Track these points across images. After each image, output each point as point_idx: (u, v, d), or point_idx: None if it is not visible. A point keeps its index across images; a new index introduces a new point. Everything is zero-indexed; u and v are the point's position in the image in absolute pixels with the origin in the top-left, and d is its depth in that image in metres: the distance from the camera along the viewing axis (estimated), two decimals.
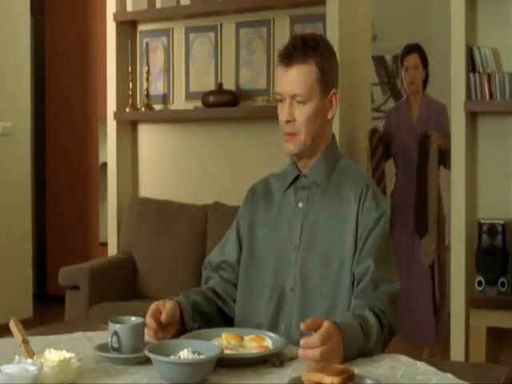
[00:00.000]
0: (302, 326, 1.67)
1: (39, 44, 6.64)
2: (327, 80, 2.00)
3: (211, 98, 4.68)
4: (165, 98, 5.02)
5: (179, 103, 4.97)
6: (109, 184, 5.14)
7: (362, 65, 4.84)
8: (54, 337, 1.93)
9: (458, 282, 4.00)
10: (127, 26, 5.07)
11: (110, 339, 1.73)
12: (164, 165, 5.07)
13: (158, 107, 5.03)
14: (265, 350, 1.73)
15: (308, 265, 2.01)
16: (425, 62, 4.74)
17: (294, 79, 1.97)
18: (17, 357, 1.58)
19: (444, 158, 4.45)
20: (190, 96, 4.92)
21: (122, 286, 4.61)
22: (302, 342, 1.64)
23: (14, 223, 5.69)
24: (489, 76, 3.95)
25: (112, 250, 5.05)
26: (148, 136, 5.14)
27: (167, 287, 4.35)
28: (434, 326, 4.58)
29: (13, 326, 1.68)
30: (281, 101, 2.02)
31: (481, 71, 3.99)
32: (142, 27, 5.09)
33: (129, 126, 5.15)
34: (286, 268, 2.03)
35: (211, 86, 4.80)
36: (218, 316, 2.08)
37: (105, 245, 5.34)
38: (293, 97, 1.98)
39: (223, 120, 4.80)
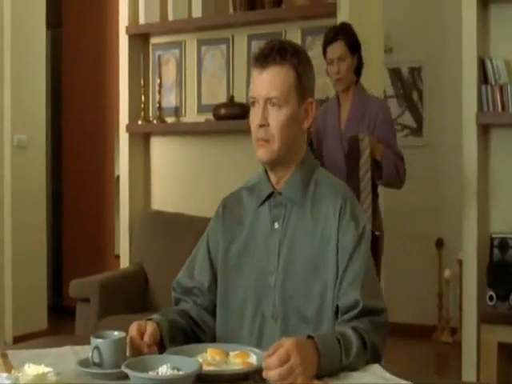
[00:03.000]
0: (265, 356, 1.61)
1: (57, 57, 6.70)
2: (304, 86, 1.88)
3: (222, 111, 4.67)
4: (177, 111, 5.02)
5: (191, 116, 4.96)
6: (121, 196, 5.15)
7: (374, 76, 4.79)
8: (40, 350, 1.90)
9: (470, 296, 3.95)
10: (139, 38, 5.09)
11: (91, 354, 1.70)
12: (176, 177, 5.06)
13: (170, 120, 5.03)
14: (248, 367, 1.70)
15: (288, 290, 1.88)
16: (353, 48, 3.72)
17: (269, 81, 1.85)
18: None
19: (379, 172, 3.56)
20: (201, 109, 4.91)
21: (132, 298, 4.59)
22: (263, 364, 1.60)
23: (29, 236, 5.70)
24: (501, 88, 3.91)
25: (124, 262, 5.05)
26: (160, 148, 5.14)
27: None
28: None
29: None
30: (254, 105, 1.89)
31: (493, 83, 3.94)
32: (154, 40, 5.10)
33: (141, 139, 5.16)
34: (265, 293, 1.91)
35: (223, 99, 4.79)
36: (193, 340, 1.95)
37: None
38: (267, 100, 1.85)
39: (234, 132, 4.78)
